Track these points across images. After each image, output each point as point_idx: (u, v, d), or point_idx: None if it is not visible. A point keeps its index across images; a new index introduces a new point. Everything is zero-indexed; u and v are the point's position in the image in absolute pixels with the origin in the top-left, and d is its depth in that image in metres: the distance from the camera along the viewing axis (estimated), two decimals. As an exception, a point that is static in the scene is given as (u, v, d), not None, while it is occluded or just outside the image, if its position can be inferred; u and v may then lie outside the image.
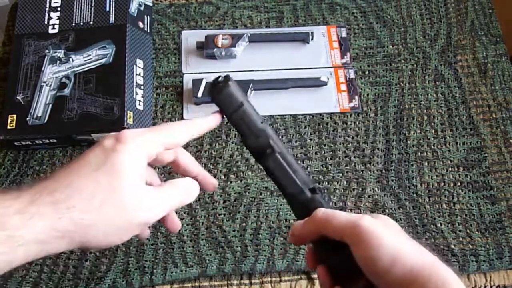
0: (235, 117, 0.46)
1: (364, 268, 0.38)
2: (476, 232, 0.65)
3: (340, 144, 0.71)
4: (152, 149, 0.42)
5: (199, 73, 0.76)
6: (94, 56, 0.71)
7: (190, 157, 0.49)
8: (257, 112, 0.47)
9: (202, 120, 0.47)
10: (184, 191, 0.44)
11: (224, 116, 0.48)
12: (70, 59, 0.72)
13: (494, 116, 0.74)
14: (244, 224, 0.65)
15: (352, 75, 0.76)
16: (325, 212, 0.41)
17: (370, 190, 0.68)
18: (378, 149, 0.71)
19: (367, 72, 0.77)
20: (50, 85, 0.70)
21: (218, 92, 0.46)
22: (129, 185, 0.38)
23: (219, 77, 0.46)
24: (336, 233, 0.40)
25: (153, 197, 0.40)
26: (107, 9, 0.75)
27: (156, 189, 0.41)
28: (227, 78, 0.46)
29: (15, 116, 0.68)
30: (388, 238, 0.38)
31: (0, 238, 0.33)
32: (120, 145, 0.40)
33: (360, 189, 0.68)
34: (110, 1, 0.75)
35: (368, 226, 0.38)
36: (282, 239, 0.64)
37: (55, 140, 0.68)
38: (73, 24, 0.74)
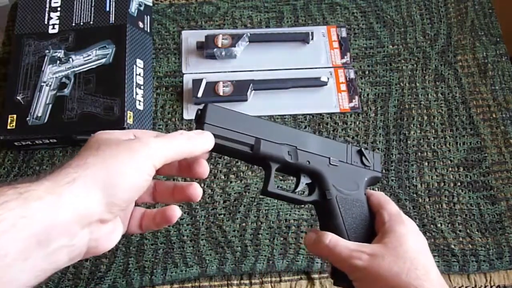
0: (223, 154, 0.45)
1: (395, 239, 0.43)
2: (476, 232, 0.65)
3: (340, 144, 0.71)
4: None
5: (199, 73, 0.76)
6: (94, 56, 0.71)
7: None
8: (248, 130, 0.44)
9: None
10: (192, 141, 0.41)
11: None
12: (70, 59, 0.72)
13: (494, 116, 0.74)
14: (244, 224, 0.65)
15: (352, 75, 0.76)
16: (328, 245, 0.44)
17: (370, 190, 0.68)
18: (378, 149, 0.71)
19: (367, 72, 0.77)
20: (50, 85, 0.70)
21: (202, 128, 0.43)
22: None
23: (198, 111, 0.44)
24: (338, 267, 0.45)
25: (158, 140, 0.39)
26: (107, 9, 0.75)
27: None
28: (202, 117, 0.43)
29: (15, 116, 0.68)
30: (386, 273, 0.42)
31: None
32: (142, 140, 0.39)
33: (360, 189, 0.68)
34: (110, 1, 0.75)
35: (365, 268, 0.42)
36: (282, 239, 0.64)
37: (55, 140, 0.68)
38: (73, 24, 0.74)
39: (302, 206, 0.65)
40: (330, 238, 0.45)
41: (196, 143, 0.41)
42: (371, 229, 0.47)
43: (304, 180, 0.46)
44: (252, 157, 0.44)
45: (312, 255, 0.63)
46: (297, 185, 0.46)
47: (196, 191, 0.43)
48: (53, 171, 0.36)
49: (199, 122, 0.43)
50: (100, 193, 0.35)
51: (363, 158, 0.48)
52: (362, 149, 0.48)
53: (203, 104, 0.44)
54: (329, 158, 0.46)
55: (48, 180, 0.34)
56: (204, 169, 0.43)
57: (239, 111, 0.46)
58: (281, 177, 0.68)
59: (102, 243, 0.38)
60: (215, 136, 0.42)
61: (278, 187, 0.49)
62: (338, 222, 0.45)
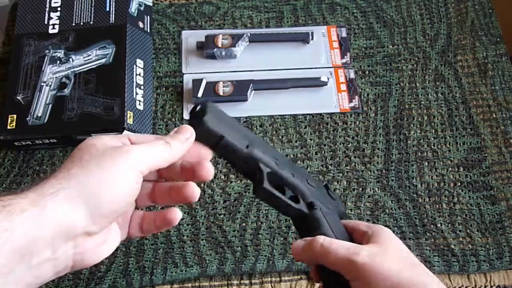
0: (217, 151, 0.44)
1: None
2: (476, 232, 0.65)
3: (340, 144, 0.71)
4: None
5: (199, 73, 0.76)
6: (94, 56, 0.71)
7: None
8: (242, 134, 0.44)
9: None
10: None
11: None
12: (70, 59, 0.72)
13: (494, 116, 0.74)
14: (244, 224, 0.65)
15: (352, 75, 0.76)
16: (323, 245, 0.42)
17: (370, 190, 0.68)
18: (378, 149, 0.71)
19: (367, 72, 0.77)
20: (50, 85, 0.70)
21: (194, 128, 0.42)
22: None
23: (196, 106, 0.43)
24: (334, 267, 0.41)
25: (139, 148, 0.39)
26: (107, 9, 0.75)
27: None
28: (202, 112, 0.42)
29: (15, 116, 0.68)
30: (387, 271, 0.39)
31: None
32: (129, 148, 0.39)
33: (360, 189, 0.68)
34: (110, 1, 0.75)
35: (364, 263, 0.39)
36: (282, 239, 0.64)
37: (55, 140, 0.68)
38: (73, 24, 0.74)
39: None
40: (323, 238, 0.43)
41: (173, 148, 0.39)
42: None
43: (288, 193, 0.46)
44: (246, 157, 0.44)
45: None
46: (283, 194, 0.46)
47: (193, 191, 0.41)
48: (38, 182, 0.35)
49: (196, 116, 0.42)
50: (83, 205, 0.34)
51: (329, 191, 0.50)
52: (327, 184, 0.50)
53: (199, 104, 0.43)
54: (306, 179, 0.47)
55: (32, 192, 0.34)
56: (207, 171, 0.42)
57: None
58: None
59: (89, 257, 0.37)
60: (213, 132, 0.42)
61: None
62: (327, 232, 0.45)
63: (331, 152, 0.70)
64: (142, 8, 0.77)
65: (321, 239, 0.42)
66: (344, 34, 0.79)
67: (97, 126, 0.67)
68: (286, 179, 0.46)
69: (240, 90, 0.73)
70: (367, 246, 0.42)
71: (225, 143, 0.43)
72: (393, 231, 0.64)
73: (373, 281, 0.39)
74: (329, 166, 0.69)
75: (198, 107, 0.43)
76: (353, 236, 0.46)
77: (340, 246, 0.41)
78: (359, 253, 0.40)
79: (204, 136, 0.42)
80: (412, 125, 0.73)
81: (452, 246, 0.64)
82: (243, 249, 0.63)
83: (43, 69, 0.71)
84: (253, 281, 0.63)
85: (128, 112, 0.68)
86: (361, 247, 0.41)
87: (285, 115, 0.73)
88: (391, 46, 0.79)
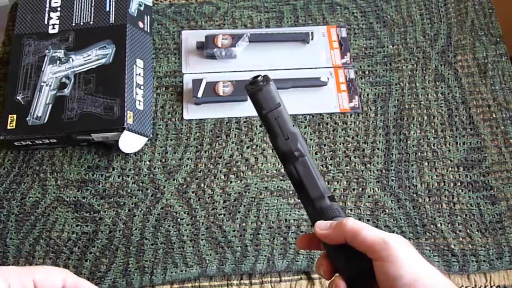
0: (270, 116, 0.47)
1: (382, 284, 0.40)
2: (476, 232, 0.65)
3: (340, 144, 0.71)
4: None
5: (199, 73, 0.76)
6: (94, 56, 0.71)
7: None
8: (289, 115, 0.48)
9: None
10: None
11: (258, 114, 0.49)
12: (70, 59, 0.72)
13: (494, 116, 0.74)
14: (244, 224, 0.65)
15: (352, 75, 0.76)
16: (356, 223, 0.42)
17: (370, 190, 0.68)
18: (378, 149, 0.71)
19: (367, 72, 0.77)
20: (50, 85, 0.70)
21: (258, 90, 0.47)
22: None
23: (258, 76, 0.48)
24: (362, 245, 0.41)
25: None
26: (107, 9, 0.75)
27: None
28: (267, 77, 0.48)
29: (15, 116, 0.68)
30: (413, 259, 0.40)
31: None
32: None
33: (360, 189, 0.68)
34: (110, 1, 0.75)
35: (397, 245, 0.40)
36: (282, 239, 0.64)
37: (55, 140, 0.68)
38: (73, 24, 0.74)
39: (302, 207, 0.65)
40: (353, 220, 0.43)
41: None
42: None
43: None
44: (291, 132, 0.47)
45: (312, 255, 0.63)
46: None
47: None
48: None
49: (258, 82, 0.47)
50: None
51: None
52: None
53: (259, 75, 0.48)
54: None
55: None
56: None
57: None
58: (281, 177, 0.68)
59: None
60: (275, 97, 0.47)
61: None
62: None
63: (331, 152, 0.70)
64: (142, 8, 0.77)
65: (351, 220, 0.43)
66: (344, 34, 0.79)
67: (97, 126, 0.67)
68: (315, 169, 0.48)
69: (240, 90, 0.73)
70: (394, 235, 0.42)
71: (281, 110, 0.47)
72: (393, 231, 0.65)
73: (400, 264, 0.39)
74: (329, 166, 0.69)
75: (262, 75, 0.48)
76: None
77: (370, 228, 0.42)
78: (391, 235, 0.41)
79: (267, 99, 0.47)
80: (412, 125, 0.73)
81: (452, 246, 0.64)
82: (243, 249, 0.63)
83: (43, 69, 0.71)
84: (253, 281, 0.63)
85: (128, 112, 0.68)
86: (389, 234, 0.41)
87: (285, 115, 0.73)
88: (391, 46, 0.79)
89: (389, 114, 0.74)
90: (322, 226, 0.45)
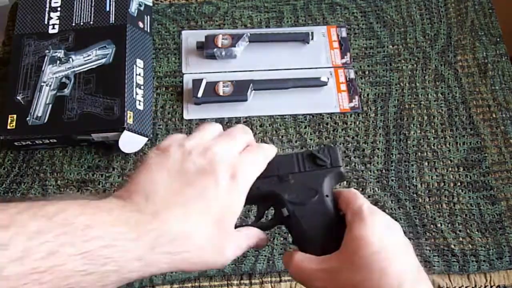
0: None
1: (348, 244, 0.38)
2: (476, 232, 0.65)
3: (340, 144, 0.71)
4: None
5: (199, 73, 0.76)
6: (94, 56, 0.71)
7: None
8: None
9: None
10: (254, 240, 0.42)
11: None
12: (70, 59, 0.72)
13: (494, 116, 0.74)
14: (244, 224, 0.65)
15: (352, 75, 0.76)
16: (294, 266, 0.40)
17: (370, 190, 0.68)
18: (378, 149, 0.71)
19: (367, 72, 0.77)
20: (50, 85, 0.70)
21: None
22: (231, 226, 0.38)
23: None
24: (342, 204, 0.41)
25: (237, 238, 0.39)
26: (107, 9, 0.75)
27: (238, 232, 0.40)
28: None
29: (15, 116, 0.68)
30: (382, 220, 0.38)
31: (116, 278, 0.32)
32: (236, 185, 0.38)
33: (360, 189, 0.68)
34: (110, 1, 0.75)
35: (368, 210, 0.38)
36: (282, 239, 0.64)
37: (55, 140, 0.68)
38: (73, 24, 0.74)
39: None
40: (294, 258, 0.40)
41: None
42: (342, 232, 0.40)
43: (262, 209, 0.44)
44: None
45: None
46: (259, 216, 0.44)
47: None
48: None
49: None
50: None
51: (317, 160, 0.43)
52: (313, 151, 0.43)
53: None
54: (277, 175, 0.42)
55: None
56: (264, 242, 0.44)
57: None
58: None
59: None
60: None
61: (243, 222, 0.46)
62: (303, 236, 0.41)
63: (331, 152, 0.70)
64: (142, 8, 0.77)
65: (292, 258, 0.40)
66: (344, 34, 0.79)
67: (97, 126, 0.67)
68: (254, 197, 0.41)
69: (240, 90, 0.73)
70: (330, 259, 0.39)
71: None
72: (393, 231, 0.64)
73: (370, 227, 0.37)
74: (329, 166, 0.69)
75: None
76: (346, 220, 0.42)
77: (307, 268, 0.39)
78: (319, 278, 0.38)
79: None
80: (412, 125, 0.73)
81: (452, 246, 0.64)
82: (243, 249, 0.63)
83: (43, 69, 0.71)
84: (253, 281, 0.63)
85: (128, 112, 0.68)
86: (324, 265, 0.38)
87: (285, 115, 0.73)
88: (391, 46, 0.79)
89: (389, 114, 0.74)
90: (283, 261, 0.43)
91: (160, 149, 0.38)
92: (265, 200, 0.43)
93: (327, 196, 0.42)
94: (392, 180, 0.69)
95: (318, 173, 0.42)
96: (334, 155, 0.43)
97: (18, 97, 0.69)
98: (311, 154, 0.43)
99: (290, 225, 0.42)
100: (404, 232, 0.65)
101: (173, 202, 0.35)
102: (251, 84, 0.73)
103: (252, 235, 0.41)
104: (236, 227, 0.39)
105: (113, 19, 0.74)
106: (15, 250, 0.27)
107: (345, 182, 0.68)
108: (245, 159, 0.39)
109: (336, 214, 0.42)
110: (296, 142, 0.71)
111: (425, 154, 0.71)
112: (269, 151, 0.41)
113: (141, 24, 0.76)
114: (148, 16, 0.78)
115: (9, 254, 0.26)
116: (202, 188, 0.36)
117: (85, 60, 0.71)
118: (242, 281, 0.63)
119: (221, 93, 0.72)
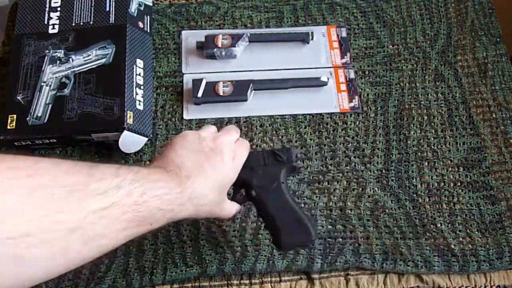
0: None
1: None
2: (476, 232, 0.65)
3: (340, 144, 0.71)
4: None
5: (199, 73, 0.76)
6: (94, 56, 0.71)
7: None
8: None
9: None
10: (236, 206, 0.57)
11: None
12: (70, 59, 0.72)
13: (494, 116, 0.74)
14: (244, 224, 0.65)
15: (352, 75, 0.76)
16: None
17: (370, 190, 0.68)
18: (378, 149, 0.71)
19: (367, 72, 0.77)
20: (50, 85, 0.70)
21: None
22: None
23: None
24: None
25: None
26: (107, 9, 0.75)
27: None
28: None
29: (15, 116, 0.68)
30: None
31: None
32: (235, 163, 0.53)
33: (360, 189, 0.68)
34: (110, 1, 0.75)
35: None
36: (282, 239, 0.64)
37: (55, 140, 0.68)
38: (73, 24, 0.74)
39: None
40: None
41: None
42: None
43: (237, 190, 0.59)
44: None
45: (312, 255, 0.63)
46: (235, 194, 0.59)
47: None
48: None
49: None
50: None
51: (277, 157, 0.58)
52: (274, 150, 0.59)
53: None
54: (250, 166, 0.56)
55: None
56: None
57: None
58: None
59: None
60: None
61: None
62: (265, 210, 0.57)
63: (331, 152, 0.70)
64: (142, 8, 0.77)
65: None
66: (344, 34, 0.79)
67: (97, 126, 0.67)
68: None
69: (240, 90, 0.73)
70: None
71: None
72: (393, 231, 0.65)
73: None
74: (329, 166, 0.69)
75: None
76: None
77: None
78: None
79: None
80: (412, 125, 0.73)
81: (452, 246, 0.64)
82: (243, 249, 0.63)
83: (43, 69, 0.71)
84: (253, 281, 0.63)
85: (128, 112, 0.68)
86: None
87: (285, 115, 0.73)
88: (391, 46, 0.79)
89: (389, 114, 0.74)
90: None
91: (180, 135, 0.53)
92: (240, 184, 0.57)
93: (282, 183, 0.57)
94: (392, 180, 0.69)
95: (277, 167, 0.58)
96: (289, 154, 0.58)
97: (18, 97, 0.69)
98: (273, 152, 0.58)
99: (256, 202, 0.57)
100: (404, 232, 0.65)
101: (197, 171, 0.49)
102: (251, 84, 0.73)
103: (234, 203, 0.57)
104: None
105: (113, 19, 0.74)
106: (124, 190, 0.41)
107: (344, 183, 0.68)
108: (239, 147, 0.55)
109: (289, 195, 0.57)
110: (296, 142, 0.71)
111: (425, 154, 0.71)
112: (248, 144, 0.57)
113: (141, 24, 0.76)
114: (148, 16, 0.78)
115: (122, 192, 0.41)
116: (214, 162, 0.51)
117: (85, 60, 0.71)
118: (242, 281, 0.63)
119: (221, 93, 0.72)
